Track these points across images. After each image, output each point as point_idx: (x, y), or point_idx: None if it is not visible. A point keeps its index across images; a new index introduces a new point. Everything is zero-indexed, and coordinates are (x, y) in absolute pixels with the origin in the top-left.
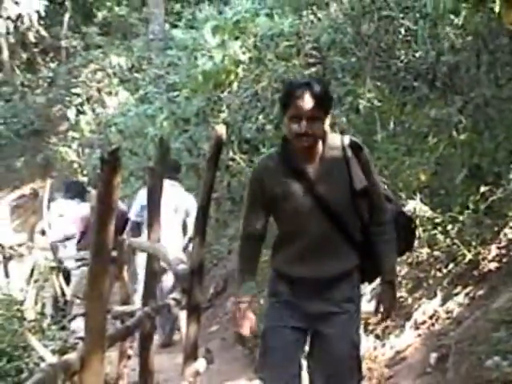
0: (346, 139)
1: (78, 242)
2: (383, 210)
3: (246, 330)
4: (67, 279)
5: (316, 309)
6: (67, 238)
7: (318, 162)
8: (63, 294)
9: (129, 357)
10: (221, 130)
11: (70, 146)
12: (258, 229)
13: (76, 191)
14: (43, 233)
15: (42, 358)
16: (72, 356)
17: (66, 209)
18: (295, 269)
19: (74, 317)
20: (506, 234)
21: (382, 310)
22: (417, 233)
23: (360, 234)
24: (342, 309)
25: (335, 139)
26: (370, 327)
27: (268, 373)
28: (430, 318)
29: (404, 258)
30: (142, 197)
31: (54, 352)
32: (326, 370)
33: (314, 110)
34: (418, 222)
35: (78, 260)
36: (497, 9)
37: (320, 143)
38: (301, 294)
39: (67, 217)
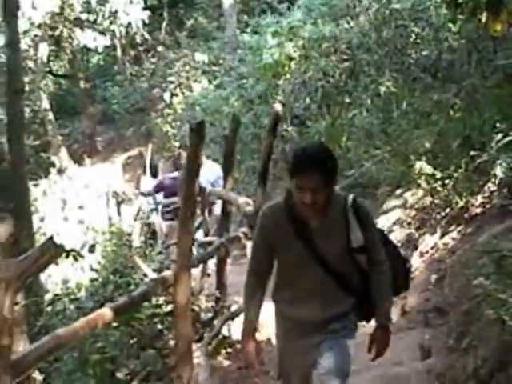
0: (350, 199)
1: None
2: (382, 263)
3: (254, 365)
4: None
5: (316, 340)
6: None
7: (320, 218)
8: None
9: (208, 275)
10: (278, 107)
11: (166, 120)
12: (264, 267)
13: (152, 170)
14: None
15: (145, 275)
16: (167, 273)
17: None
18: (295, 311)
19: (169, 246)
20: (489, 188)
21: (374, 349)
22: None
23: (358, 282)
24: (339, 335)
25: (339, 198)
26: None
27: None
28: (432, 248)
29: (413, 203)
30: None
31: (154, 270)
32: None
33: (319, 184)
34: (423, 178)
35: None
36: (484, 19)
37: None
38: (302, 330)
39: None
